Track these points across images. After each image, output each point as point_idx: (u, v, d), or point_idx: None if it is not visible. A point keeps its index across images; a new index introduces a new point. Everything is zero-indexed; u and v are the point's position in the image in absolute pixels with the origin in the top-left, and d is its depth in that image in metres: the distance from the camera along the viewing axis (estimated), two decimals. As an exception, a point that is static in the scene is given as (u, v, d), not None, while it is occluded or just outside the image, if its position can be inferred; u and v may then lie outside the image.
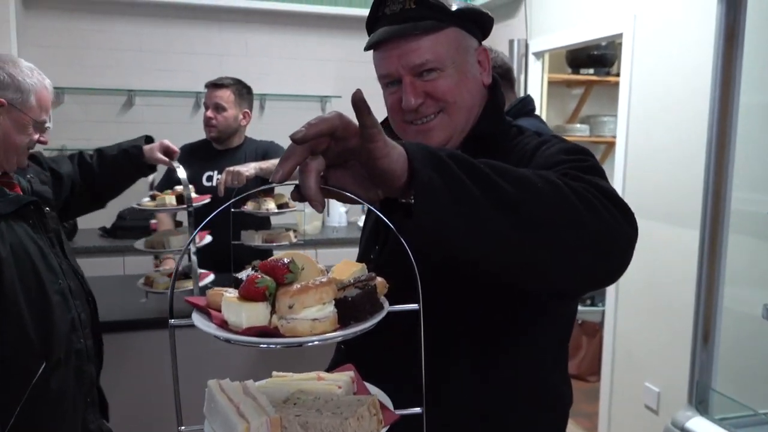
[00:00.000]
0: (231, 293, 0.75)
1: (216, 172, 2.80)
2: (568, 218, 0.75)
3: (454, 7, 1.03)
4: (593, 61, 4.28)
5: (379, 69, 1.07)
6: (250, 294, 0.72)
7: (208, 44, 4.13)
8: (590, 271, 0.80)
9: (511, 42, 3.78)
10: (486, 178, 0.72)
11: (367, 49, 1.07)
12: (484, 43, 1.13)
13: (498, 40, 4.04)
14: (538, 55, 3.78)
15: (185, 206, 2.13)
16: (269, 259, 0.75)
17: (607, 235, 0.77)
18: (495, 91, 1.12)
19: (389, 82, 1.07)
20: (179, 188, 2.20)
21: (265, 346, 0.69)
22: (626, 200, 0.83)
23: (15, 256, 1.47)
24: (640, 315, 2.95)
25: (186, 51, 4.08)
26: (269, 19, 4.21)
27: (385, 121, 1.13)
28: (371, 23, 1.07)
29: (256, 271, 0.76)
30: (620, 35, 3.01)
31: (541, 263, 0.76)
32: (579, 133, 4.38)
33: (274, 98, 4.25)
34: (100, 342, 1.80)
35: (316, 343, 0.70)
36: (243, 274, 0.79)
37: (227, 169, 2.38)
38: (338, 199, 0.76)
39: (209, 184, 2.76)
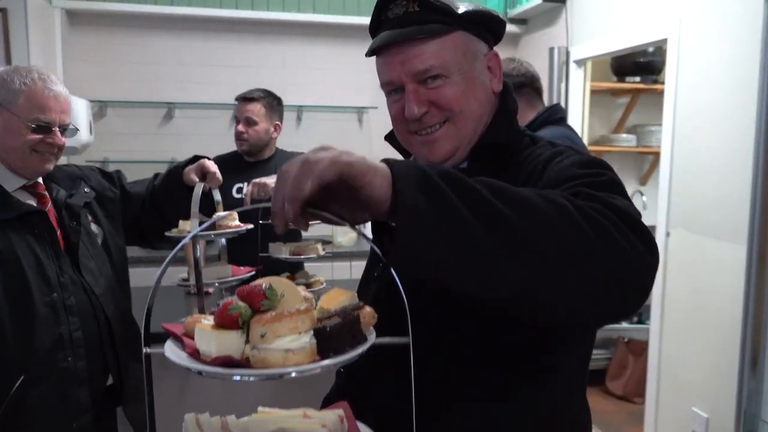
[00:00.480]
0: (208, 321, 0.71)
1: (246, 184, 2.77)
2: (576, 244, 0.67)
3: (461, 10, 0.97)
4: (639, 69, 4.13)
5: (382, 76, 1.01)
6: (223, 321, 0.68)
7: (246, 57, 4.16)
8: (602, 303, 0.72)
9: (551, 50, 3.69)
10: (480, 200, 0.66)
11: (368, 54, 1.01)
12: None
13: (538, 49, 3.94)
14: (580, 62, 3.66)
15: (215, 233, 2.02)
16: (248, 285, 0.71)
17: (621, 263, 0.69)
18: (506, 97, 1.04)
19: (392, 89, 1.01)
20: (222, 213, 1.91)
21: (238, 378, 0.65)
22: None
23: (1, 261, 1.46)
24: (687, 335, 2.79)
25: (224, 64, 4.12)
26: (306, 31, 4.22)
27: (393, 132, 1.08)
28: (374, 28, 1.02)
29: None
30: (665, 41, 2.88)
31: (544, 295, 0.68)
32: (625, 143, 4.23)
33: (311, 110, 4.24)
34: (116, 366, 1.65)
35: (293, 375, 0.65)
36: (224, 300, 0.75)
37: (254, 180, 2.36)
38: (323, 221, 0.72)
39: (239, 196, 2.75)
